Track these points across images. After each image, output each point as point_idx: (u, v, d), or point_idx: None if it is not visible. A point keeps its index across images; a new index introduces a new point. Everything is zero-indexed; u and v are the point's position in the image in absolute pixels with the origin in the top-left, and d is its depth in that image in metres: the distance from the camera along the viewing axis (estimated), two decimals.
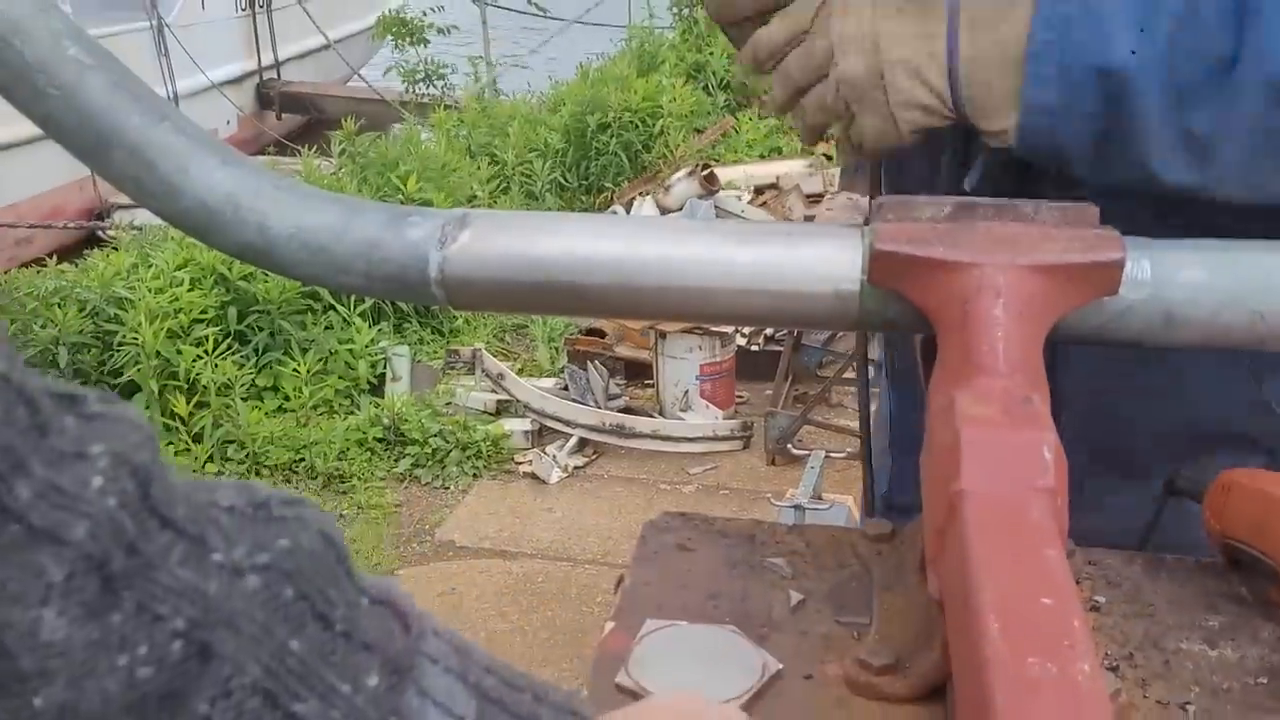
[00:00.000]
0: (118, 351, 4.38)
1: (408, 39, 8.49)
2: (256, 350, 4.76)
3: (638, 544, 0.82)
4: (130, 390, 4.40)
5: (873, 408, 1.11)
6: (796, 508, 3.10)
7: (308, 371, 4.63)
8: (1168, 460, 0.87)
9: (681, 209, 6.17)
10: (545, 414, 4.63)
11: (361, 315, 4.95)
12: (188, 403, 4.30)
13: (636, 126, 7.38)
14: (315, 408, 4.67)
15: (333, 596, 0.43)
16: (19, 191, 7.30)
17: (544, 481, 4.39)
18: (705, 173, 6.48)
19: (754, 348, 5.01)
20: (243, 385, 4.49)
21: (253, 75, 10.36)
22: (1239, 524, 0.75)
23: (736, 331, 4.82)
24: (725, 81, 8.81)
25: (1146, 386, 0.90)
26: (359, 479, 4.38)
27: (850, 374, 4.44)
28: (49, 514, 0.35)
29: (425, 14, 8.70)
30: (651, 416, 4.66)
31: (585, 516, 4.20)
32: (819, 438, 4.45)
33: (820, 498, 3.24)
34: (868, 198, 0.84)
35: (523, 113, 7.61)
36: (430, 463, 4.48)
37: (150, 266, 4.67)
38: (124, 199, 4.71)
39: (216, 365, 4.38)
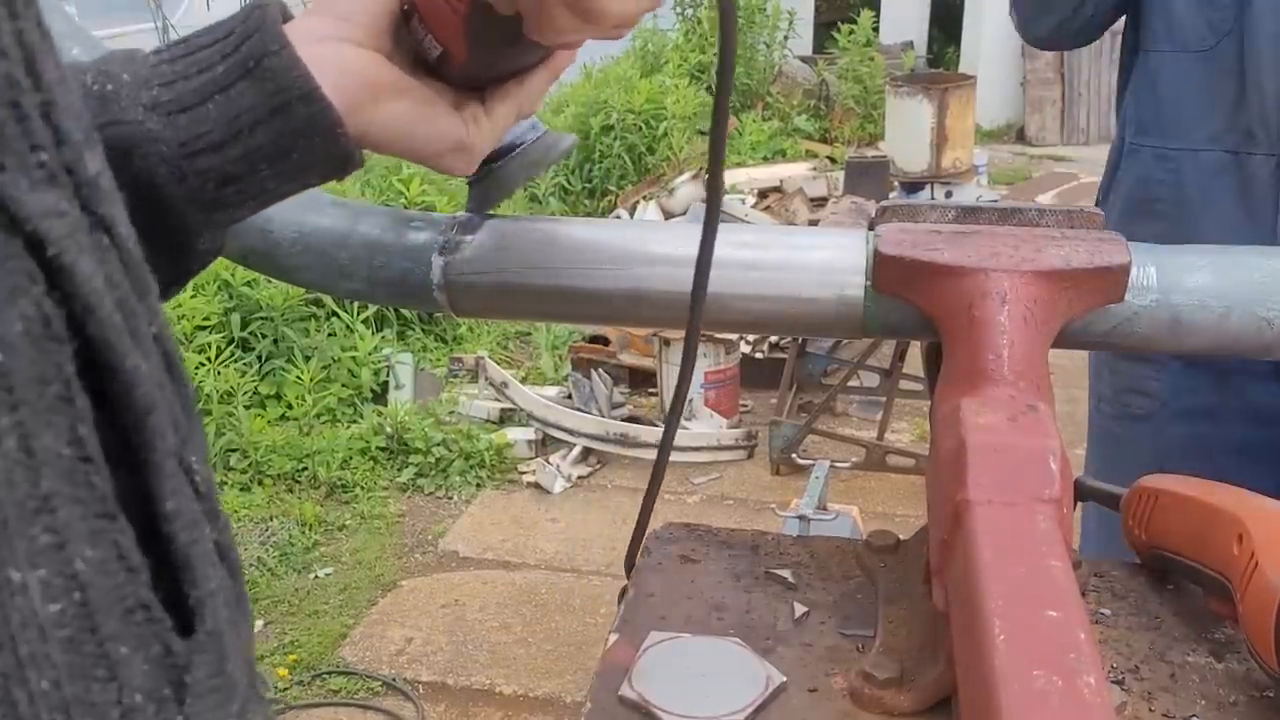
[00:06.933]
0: None
1: None
2: (259, 358, 4.75)
3: (641, 555, 0.82)
4: None
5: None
6: (801, 518, 3.09)
7: (311, 379, 4.62)
8: None
9: (685, 213, 6.17)
10: (549, 423, 4.62)
11: (365, 322, 4.95)
12: None
13: (640, 129, 7.37)
14: (318, 416, 4.66)
15: None
16: None
17: (548, 491, 4.38)
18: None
19: (758, 355, 5.00)
20: (245, 393, 4.48)
21: None
22: (1170, 533, 0.73)
23: (741, 339, 4.80)
24: None
25: None
26: (362, 488, 4.37)
27: (855, 382, 4.44)
28: None
29: None
30: (655, 425, 4.65)
31: (589, 526, 4.19)
32: (824, 447, 4.44)
33: (825, 508, 3.22)
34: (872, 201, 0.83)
35: None
36: (433, 472, 4.47)
37: None
38: None
39: (219, 373, 4.37)
